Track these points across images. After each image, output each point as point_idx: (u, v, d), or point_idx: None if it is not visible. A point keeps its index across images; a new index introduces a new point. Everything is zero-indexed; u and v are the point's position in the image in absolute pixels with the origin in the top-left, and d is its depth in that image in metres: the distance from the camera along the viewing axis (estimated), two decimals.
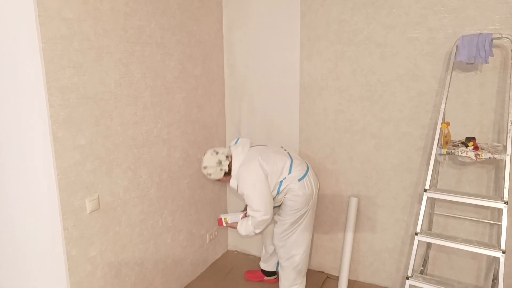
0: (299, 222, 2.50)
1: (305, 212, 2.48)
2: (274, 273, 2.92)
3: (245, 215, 2.55)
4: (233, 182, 2.43)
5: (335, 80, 2.73)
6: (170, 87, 2.50)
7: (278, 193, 2.41)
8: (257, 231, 2.43)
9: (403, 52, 2.49)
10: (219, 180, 2.51)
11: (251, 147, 2.51)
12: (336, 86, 2.74)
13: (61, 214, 1.86)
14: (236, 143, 2.55)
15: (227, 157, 2.43)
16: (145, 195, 2.39)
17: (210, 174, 2.44)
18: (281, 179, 2.39)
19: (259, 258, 3.18)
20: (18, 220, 2.02)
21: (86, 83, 1.92)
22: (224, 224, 2.60)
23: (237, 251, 3.42)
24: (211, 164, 2.41)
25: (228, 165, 2.42)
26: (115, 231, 2.19)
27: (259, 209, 2.32)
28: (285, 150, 2.59)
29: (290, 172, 2.41)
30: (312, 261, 3.10)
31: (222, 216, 2.61)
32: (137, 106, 2.25)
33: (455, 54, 2.25)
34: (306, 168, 2.49)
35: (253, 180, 2.34)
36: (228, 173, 2.44)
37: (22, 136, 1.85)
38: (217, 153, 2.43)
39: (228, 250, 3.44)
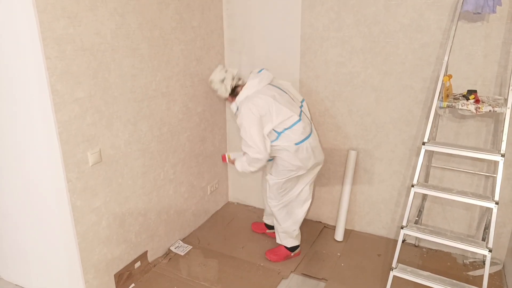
0: (292, 188, 2.54)
1: (299, 175, 2.48)
2: None
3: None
4: (233, 106, 2.44)
5: (337, 31, 2.66)
6: (168, 38, 2.44)
7: (271, 142, 2.38)
8: (251, 169, 2.42)
9: (409, 0, 2.41)
10: (225, 99, 2.55)
11: (269, 84, 2.43)
12: (338, 38, 2.67)
13: (63, 166, 1.89)
14: (259, 71, 2.47)
15: (234, 78, 2.44)
16: (146, 148, 2.41)
17: (216, 90, 2.48)
18: (280, 130, 2.35)
19: (259, 209, 3.28)
20: (22, 172, 2.05)
21: (82, 34, 1.87)
22: (227, 161, 2.66)
23: (237, 202, 3.51)
24: (216, 79, 2.45)
25: (235, 88, 2.45)
26: (118, 182, 2.23)
27: (252, 145, 2.30)
28: (301, 107, 2.49)
29: (291, 127, 2.36)
30: (310, 212, 3.19)
31: (226, 153, 2.70)
32: (134, 58, 2.21)
33: (462, 3, 2.17)
34: (308, 134, 2.41)
35: (254, 115, 2.29)
36: (233, 95, 2.45)
37: (19, 90, 1.83)
38: (226, 71, 2.45)
39: (228, 202, 3.53)
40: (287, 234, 2.66)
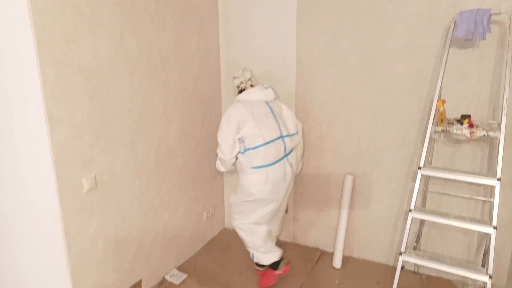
0: (249, 213, 2.53)
1: (260, 202, 2.48)
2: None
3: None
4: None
5: (333, 53, 2.71)
6: (165, 61, 2.47)
7: (238, 153, 2.45)
8: (221, 168, 2.56)
9: (402, 24, 2.47)
10: None
11: (266, 102, 2.49)
12: (334, 59, 2.71)
13: (58, 190, 1.87)
14: (266, 87, 2.54)
15: (245, 82, 2.55)
16: (142, 173, 2.39)
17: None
18: (247, 146, 2.40)
19: None
20: (15, 198, 2.02)
21: (80, 56, 1.89)
22: None
23: (234, 229, 3.45)
24: (234, 74, 2.62)
25: (243, 90, 2.55)
26: (113, 207, 2.20)
27: (220, 144, 2.44)
28: (282, 137, 2.47)
29: (253, 148, 2.38)
30: (308, 238, 3.15)
31: None
32: (132, 81, 2.23)
33: (453, 30, 2.23)
34: (270, 162, 2.40)
35: (234, 118, 2.39)
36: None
37: (15, 112, 1.83)
38: (243, 73, 2.57)
39: (224, 228, 3.48)
40: (256, 251, 2.62)
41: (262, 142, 2.37)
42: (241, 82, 2.56)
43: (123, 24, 2.12)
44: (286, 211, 3.03)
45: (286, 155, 2.49)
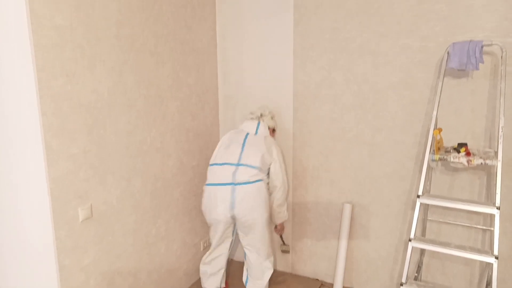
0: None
1: (215, 224, 2.57)
2: None
3: None
4: None
5: (328, 89, 2.75)
6: (163, 95, 2.49)
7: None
8: None
9: (396, 60, 2.52)
10: None
11: (249, 134, 2.65)
12: (330, 95, 2.75)
13: (53, 223, 1.84)
14: (257, 122, 2.69)
15: (253, 119, 2.76)
16: (139, 204, 2.37)
17: None
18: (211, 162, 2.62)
19: None
20: (9, 229, 1.99)
21: (79, 91, 1.91)
22: None
23: (231, 259, 3.39)
24: (249, 110, 2.89)
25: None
26: (108, 240, 2.16)
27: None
28: (239, 164, 2.47)
29: (211, 165, 2.59)
30: (307, 268, 3.09)
31: None
32: (130, 114, 2.24)
33: (446, 61, 2.28)
34: (211, 182, 2.49)
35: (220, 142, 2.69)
36: None
37: (13, 144, 1.83)
38: (257, 111, 2.79)
39: None
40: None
41: (216, 162, 2.55)
42: (255, 117, 2.75)
43: (123, 60, 2.15)
44: (288, 251, 3.07)
45: (234, 184, 2.41)
